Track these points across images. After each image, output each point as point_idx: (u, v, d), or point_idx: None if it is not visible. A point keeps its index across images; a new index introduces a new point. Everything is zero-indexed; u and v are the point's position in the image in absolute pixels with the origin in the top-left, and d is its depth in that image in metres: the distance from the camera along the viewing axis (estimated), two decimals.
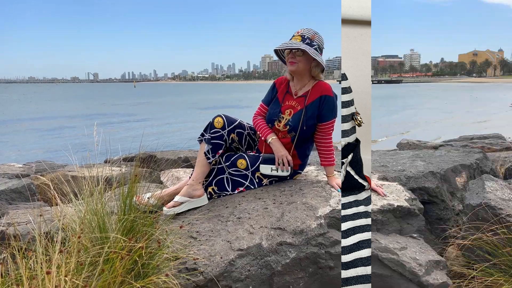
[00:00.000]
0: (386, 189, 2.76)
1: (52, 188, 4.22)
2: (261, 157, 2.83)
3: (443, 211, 3.00)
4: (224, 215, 2.56)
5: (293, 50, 2.69)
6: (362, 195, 1.83)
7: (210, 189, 2.84)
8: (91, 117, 30.59)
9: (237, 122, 2.91)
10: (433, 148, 4.72)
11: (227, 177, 2.83)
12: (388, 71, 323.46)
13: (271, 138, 2.79)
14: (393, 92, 65.50)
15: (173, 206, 2.74)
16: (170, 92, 79.08)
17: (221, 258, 2.17)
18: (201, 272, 2.13)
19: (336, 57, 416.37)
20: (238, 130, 2.91)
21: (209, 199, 2.85)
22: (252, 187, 2.84)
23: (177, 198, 2.77)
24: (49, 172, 4.45)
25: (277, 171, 2.77)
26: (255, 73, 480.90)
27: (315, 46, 2.67)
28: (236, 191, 2.83)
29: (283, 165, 2.76)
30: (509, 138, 6.38)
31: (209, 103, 45.90)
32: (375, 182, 2.83)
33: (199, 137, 2.89)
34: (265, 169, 2.78)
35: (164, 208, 2.75)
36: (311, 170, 3.19)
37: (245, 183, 2.83)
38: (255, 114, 3.02)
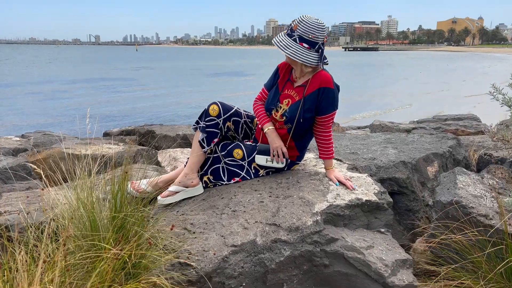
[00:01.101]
0: (355, 181, 2.69)
1: (47, 168, 4.19)
2: (257, 147, 2.76)
3: (412, 202, 2.96)
4: (219, 207, 2.51)
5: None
6: None
7: (205, 178, 2.78)
8: (92, 82, 30.35)
9: (233, 110, 2.81)
10: (405, 132, 4.59)
11: (223, 167, 2.77)
12: (364, 38, 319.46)
13: (267, 128, 2.70)
14: (369, 60, 64.27)
15: (168, 196, 2.69)
16: (172, 56, 78.05)
17: (215, 254, 2.14)
18: (193, 267, 2.10)
19: (342, 23, 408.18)
20: (234, 118, 2.82)
21: (204, 188, 2.80)
22: (248, 178, 2.78)
23: (172, 188, 2.72)
24: (46, 149, 4.38)
25: (272, 163, 2.70)
26: (259, 38, 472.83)
27: (294, 37, 2.49)
28: (232, 181, 2.78)
29: (278, 156, 2.68)
30: (488, 125, 6.23)
31: (213, 69, 45.33)
32: (344, 174, 2.76)
33: (194, 125, 2.80)
34: (260, 159, 2.71)
35: (159, 198, 2.70)
36: (310, 159, 3.12)
37: (241, 174, 2.77)
38: (256, 98, 2.91)
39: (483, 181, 2.71)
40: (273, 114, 2.72)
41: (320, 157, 2.74)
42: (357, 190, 2.56)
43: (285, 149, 2.68)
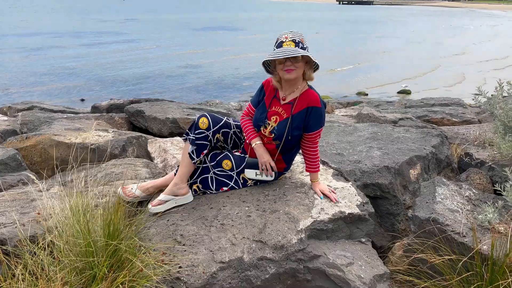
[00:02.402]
0: (339, 193, 2.79)
1: (36, 156, 4.22)
2: (245, 161, 2.83)
3: (393, 206, 3.11)
4: (208, 218, 2.61)
5: (293, 58, 2.53)
6: None
7: (195, 186, 2.86)
8: (77, 36, 29.43)
9: (222, 121, 2.86)
10: (392, 123, 4.67)
11: (211, 177, 2.84)
12: None
13: (255, 143, 2.78)
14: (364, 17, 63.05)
15: (158, 205, 2.78)
16: (160, 8, 75.47)
17: (204, 270, 2.26)
18: (184, 282, 2.23)
19: None
20: (223, 130, 2.87)
21: (193, 195, 2.89)
22: (237, 188, 2.87)
23: (161, 197, 2.80)
24: (35, 135, 4.39)
25: (262, 176, 2.79)
26: None
27: (306, 48, 2.58)
28: (220, 190, 2.86)
29: (267, 170, 2.77)
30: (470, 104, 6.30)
31: (203, 22, 44.12)
32: (328, 184, 2.87)
33: (184, 136, 2.84)
34: (250, 173, 2.80)
35: (149, 206, 2.79)
36: (297, 163, 3.20)
37: (229, 184, 2.85)
38: (243, 114, 3.00)
39: (460, 192, 2.83)
40: (262, 131, 2.80)
41: (306, 170, 2.83)
42: (340, 202, 2.68)
43: (273, 163, 2.77)
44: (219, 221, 2.56)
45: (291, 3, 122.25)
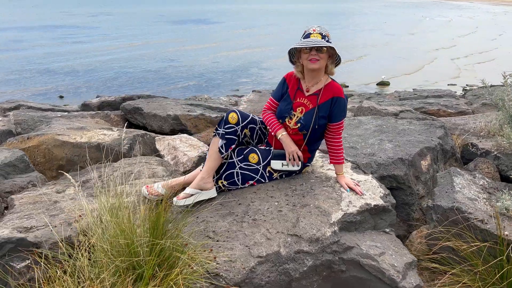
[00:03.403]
0: (363, 185, 2.89)
1: (42, 157, 4.15)
2: (271, 153, 2.89)
3: (408, 197, 3.24)
4: (238, 214, 2.65)
5: (319, 48, 2.67)
6: None
7: (220, 183, 2.89)
8: (47, 30, 28.53)
9: (250, 117, 2.96)
10: (394, 116, 4.82)
11: (237, 172, 2.88)
12: None
13: (281, 134, 2.85)
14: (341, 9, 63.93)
15: (184, 198, 2.80)
16: (129, 0, 73.89)
17: (242, 265, 2.31)
18: (223, 278, 2.27)
19: None
20: (251, 125, 2.96)
21: (218, 191, 2.92)
22: (263, 181, 2.93)
23: (188, 190, 2.83)
24: (37, 135, 4.30)
25: (288, 166, 2.86)
26: None
27: (331, 43, 2.70)
28: (246, 185, 2.91)
29: (294, 160, 2.83)
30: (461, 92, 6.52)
31: (178, 15, 43.51)
32: (350, 177, 2.97)
33: (214, 132, 2.89)
34: (276, 164, 2.87)
35: (175, 199, 2.81)
36: (316, 158, 3.27)
37: (255, 177, 2.91)
38: (264, 108, 3.06)
39: (475, 181, 2.97)
40: (287, 122, 2.87)
41: (330, 163, 2.91)
42: (365, 195, 2.77)
43: (300, 153, 2.85)
44: (250, 217, 2.61)
45: None
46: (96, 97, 8.17)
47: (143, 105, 5.64)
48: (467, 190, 2.82)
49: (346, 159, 3.31)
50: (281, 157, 2.87)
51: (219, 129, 2.86)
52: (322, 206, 2.62)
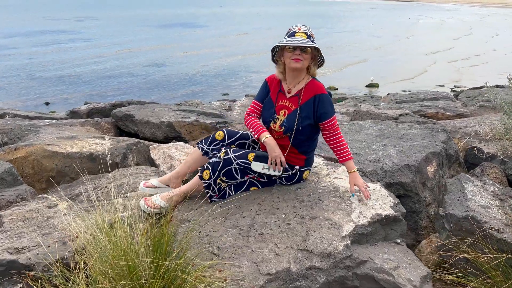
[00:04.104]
0: (372, 194, 2.77)
1: (30, 169, 3.96)
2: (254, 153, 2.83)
3: (416, 204, 3.14)
4: (244, 228, 2.51)
5: (303, 48, 2.62)
6: None
7: (218, 180, 2.75)
8: (30, 35, 27.98)
9: (238, 134, 2.98)
10: (393, 119, 4.73)
11: (235, 168, 2.76)
12: None
13: (265, 137, 2.76)
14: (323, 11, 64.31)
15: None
16: (115, 4, 73.23)
17: (251, 283, 2.17)
18: None
19: None
20: (239, 141, 2.96)
21: (218, 194, 2.80)
22: (262, 180, 2.85)
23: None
24: (26, 145, 4.10)
25: (269, 170, 2.75)
26: None
27: (316, 43, 2.66)
28: (246, 178, 2.82)
29: (275, 165, 2.73)
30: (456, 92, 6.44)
31: (163, 19, 43.16)
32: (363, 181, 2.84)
33: (196, 145, 2.97)
34: (257, 166, 2.75)
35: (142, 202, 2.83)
36: (320, 165, 3.16)
37: (254, 174, 2.81)
38: (247, 111, 2.99)
39: (486, 188, 2.88)
40: (272, 126, 2.82)
41: (339, 162, 2.82)
42: (372, 200, 2.66)
43: (283, 158, 2.73)
44: (256, 231, 2.47)
45: None
46: (85, 104, 7.96)
47: (134, 111, 5.48)
48: (479, 197, 2.72)
49: None
50: (264, 159, 2.76)
51: (203, 145, 2.92)
52: (332, 218, 2.50)
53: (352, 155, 2.78)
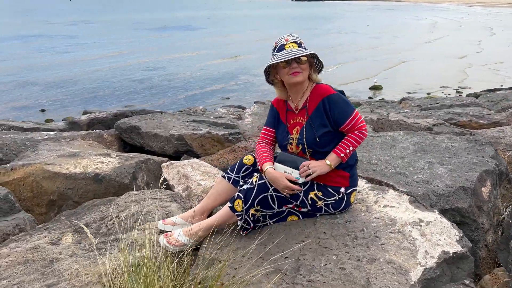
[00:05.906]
0: (432, 228, 2.36)
1: (29, 192, 3.53)
2: (278, 154, 2.56)
3: (474, 232, 2.74)
4: (287, 273, 2.11)
5: (298, 59, 2.34)
6: None
7: (252, 211, 2.36)
8: (25, 40, 27.46)
9: None
10: (427, 130, 4.32)
11: (271, 195, 2.37)
12: None
13: (266, 168, 2.41)
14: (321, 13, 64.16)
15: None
16: (109, 7, 72.68)
17: None
18: None
19: None
20: None
21: (251, 224, 2.42)
22: (302, 207, 2.44)
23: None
24: (23, 165, 3.68)
25: (292, 174, 2.39)
26: None
27: (308, 49, 2.41)
28: (284, 208, 2.44)
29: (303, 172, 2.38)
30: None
31: (157, 22, 42.65)
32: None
33: (223, 175, 2.63)
34: (280, 168, 2.43)
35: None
36: (365, 190, 2.76)
37: (293, 202, 2.42)
38: (259, 139, 2.67)
39: None
40: (289, 149, 2.52)
41: (332, 151, 2.43)
42: (435, 234, 2.27)
43: (295, 187, 2.34)
44: (304, 277, 2.06)
45: (241, 0, 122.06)
46: (84, 114, 7.54)
47: (140, 123, 5.05)
48: None
49: (398, 189, 2.80)
50: (288, 163, 2.40)
51: (229, 173, 2.63)
52: (395, 260, 2.09)
53: (345, 159, 2.40)
